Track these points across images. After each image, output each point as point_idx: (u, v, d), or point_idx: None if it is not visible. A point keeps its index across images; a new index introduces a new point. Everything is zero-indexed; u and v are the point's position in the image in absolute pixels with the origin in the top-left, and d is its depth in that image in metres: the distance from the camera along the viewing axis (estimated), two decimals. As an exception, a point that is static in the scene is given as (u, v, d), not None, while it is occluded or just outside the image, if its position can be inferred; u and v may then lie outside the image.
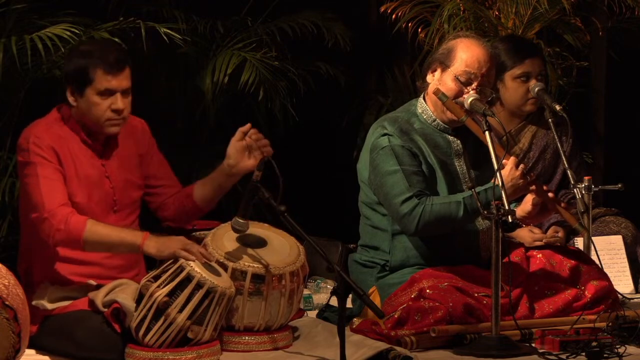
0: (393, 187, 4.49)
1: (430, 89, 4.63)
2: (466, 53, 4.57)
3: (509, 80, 5.26)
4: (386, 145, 4.53)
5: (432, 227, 4.46)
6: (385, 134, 4.55)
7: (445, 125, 4.63)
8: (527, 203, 4.59)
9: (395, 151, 4.51)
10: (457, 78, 4.55)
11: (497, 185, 4.22)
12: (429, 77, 4.65)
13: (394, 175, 4.49)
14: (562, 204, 4.59)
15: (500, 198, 4.21)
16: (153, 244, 4.17)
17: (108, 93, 4.25)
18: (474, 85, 4.54)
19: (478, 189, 4.40)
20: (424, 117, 4.64)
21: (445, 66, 4.58)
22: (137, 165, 4.47)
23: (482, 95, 4.54)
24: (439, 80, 4.60)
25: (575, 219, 4.59)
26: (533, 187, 4.51)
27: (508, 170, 4.44)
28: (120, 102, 4.26)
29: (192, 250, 4.13)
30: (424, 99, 4.67)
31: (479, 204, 4.26)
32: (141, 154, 4.49)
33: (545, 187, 4.57)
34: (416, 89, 4.86)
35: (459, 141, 4.65)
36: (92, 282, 4.29)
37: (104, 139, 4.38)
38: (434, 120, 4.63)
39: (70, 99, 4.28)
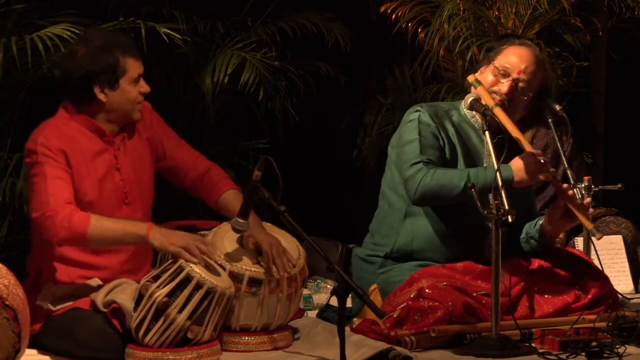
0: (407, 154, 4.55)
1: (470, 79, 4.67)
2: (511, 50, 4.63)
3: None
4: (414, 119, 4.60)
5: (432, 194, 4.47)
6: (417, 111, 4.64)
7: (481, 123, 4.62)
8: (549, 209, 4.61)
9: (420, 125, 4.58)
10: (496, 68, 4.60)
11: (498, 185, 4.23)
12: (477, 74, 4.69)
13: (412, 144, 4.56)
14: (580, 202, 4.51)
15: (500, 198, 4.21)
16: (158, 237, 4.15)
17: (138, 79, 4.32)
18: (510, 78, 4.56)
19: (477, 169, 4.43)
20: (465, 111, 4.67)
21: (490, 60, 4.64)
22: (146, 152, 4.45)
23: (516, 92, 4.56)
24: (480, 72, 4.66)
25: (591, 223, 4.47)
26: (550, 172, 4.48)
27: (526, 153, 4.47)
28: (146, 84, 4.35)
29: (194, 252, 4.13)
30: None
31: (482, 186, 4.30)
32: (148, 137, 4.47)
33: (562, 183, 4.55)
34: (416, 89, 4.87)
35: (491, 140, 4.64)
36: (97, 279, 4.29)
37: (118, 130, 4.37)
38: (473, 116, 4.66)
39: (101, 96, 4.26)
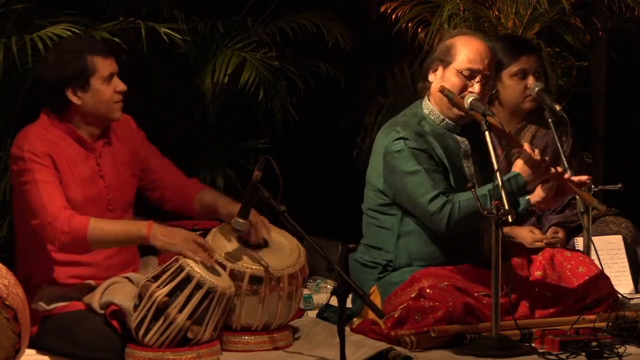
0: (417, 187, 4.48)
1: (434, 87, 4.63)
2: (466, 48, 4.58)
3: (507, 79, 5.28)
4: (402, 148, 4.51)
5: (462, 224, 4.47)
6: (400, 138, 4.54)
7: (454, 124, 4.62)
8: (540, 188, 4.61)
9: (413, 153, 4.50)
10: (461, 73, 4.55)
11: (498, 185, 4.23)
12: (430, 77, 4.65)
13: (417, 175, 4.49)
14: (578, 181, 4.61)
15: (500, 198, 4.21)
16: (159, 237, 4.16)
17: (110, 77, 4.31)
18: (478, 78, 4.54)
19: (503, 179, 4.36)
20: (432, 117, 4.63)
21: (446, 63, 4.59)
22: (130, 163, 4.46)
23: (486, 88, 4.55)
24: (441, 78, 4.61)
25: (593, 198, 4.64)
26: (552, 170, 4.51)
27: (528, 156, 4.46)
28: (121, 83, 4.34)
29: (198, 251, 4.13)
30: (428, 100, 4.66)
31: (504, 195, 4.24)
32: (132, 150, 4.48)
33: (560, 169, 4.57)
34: (416, 89, 4.85)
35: (467, 141, 4.65)
36: (92, 282, 4.29)
37: (98, 136, 4.37)
38: (442, 120, 4.63)
39: (74, 98, 4.28)
